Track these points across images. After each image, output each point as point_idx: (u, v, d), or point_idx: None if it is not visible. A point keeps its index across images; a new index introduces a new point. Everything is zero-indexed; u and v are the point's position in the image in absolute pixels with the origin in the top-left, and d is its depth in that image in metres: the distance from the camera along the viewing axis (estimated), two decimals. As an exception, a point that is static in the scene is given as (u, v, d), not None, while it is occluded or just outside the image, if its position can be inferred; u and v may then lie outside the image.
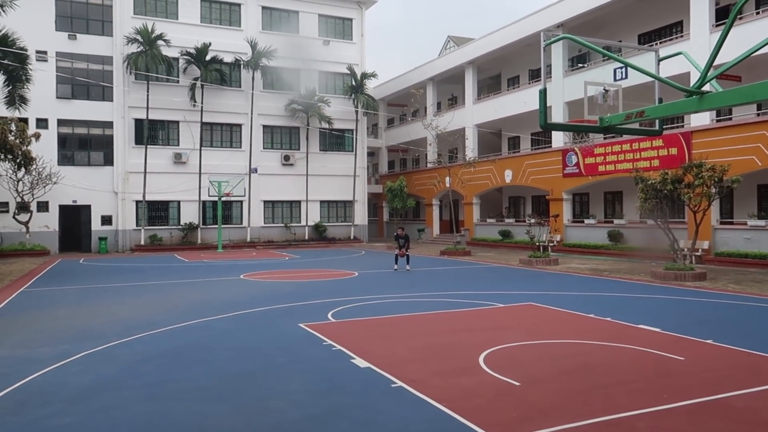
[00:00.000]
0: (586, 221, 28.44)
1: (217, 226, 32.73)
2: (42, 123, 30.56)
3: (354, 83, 37.14)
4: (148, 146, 32.38)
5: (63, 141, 31.57)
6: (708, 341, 8.82)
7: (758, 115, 21.71)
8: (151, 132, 33.01)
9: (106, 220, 32.23)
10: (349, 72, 37.12)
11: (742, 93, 6.07)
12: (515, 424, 5.48)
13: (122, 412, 6.00)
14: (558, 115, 26.49)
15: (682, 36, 24.68)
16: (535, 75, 33.88)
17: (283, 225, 36.32)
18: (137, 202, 32.49)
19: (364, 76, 37.30)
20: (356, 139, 38.17)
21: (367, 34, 39.78)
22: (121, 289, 16.14)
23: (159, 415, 5.87)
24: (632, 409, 5.84)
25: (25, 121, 28.04)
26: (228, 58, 34.26)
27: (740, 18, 21.53)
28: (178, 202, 33.60)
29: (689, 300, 13.24)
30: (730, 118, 22.63)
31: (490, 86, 39.15)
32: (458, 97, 41.36)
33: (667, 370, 7.34)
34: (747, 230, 21.17)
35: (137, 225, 32.56)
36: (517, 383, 6.74)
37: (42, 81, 29.05)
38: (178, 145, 33.74)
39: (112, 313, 12.11)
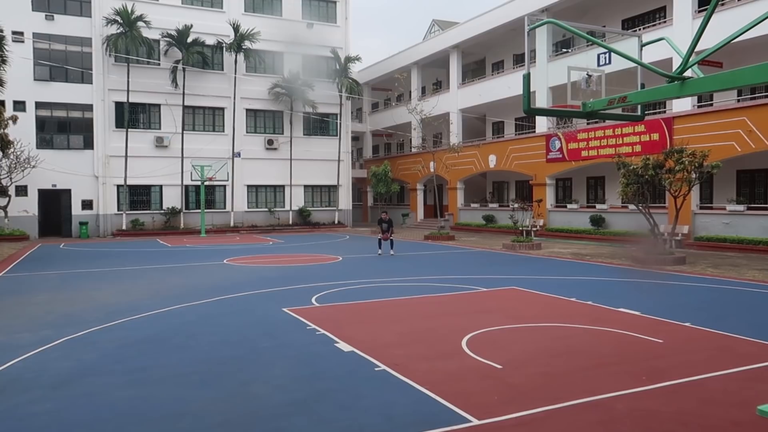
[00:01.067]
0: (569, 206, 28.67)
1: (200, 210, 32.49)
2: (19, 105, 29.99)
3: (338, 67, 36.86)
4: (129, 130, 31.95)
5: (41, 124, 31.04)
6: (686, 324, 8.97)
7: (738, 101, 21.95)
8: (132, 115, 32.57)
9: (87, 204, 31.83)
10: (333, 55, 36.82)
11: (723, 79, 6.11)
12: (497, 406, 5.55)
13: (103, 397, 5.96)
14: (542, 100, 26.24)
15: (665, 22, 24.78)
16: (519, 60, 33.84)
17: (266, 210, 36.15)
18: (118, 186, 32.12)
19: (348, 59, 37.03)
20: (340, 123, 37.98)
21: (351, 17, 39.36)
22: (103, 274, 15.99)
23: (141, 401, 5.85)
24: (612, 390, 5.93)
25: (1, 103, 27.48)
26: (210, 41, 33.79)
27: (722, 4, 21.66)
28: (160, 186, 33.27)
29: (669, 284, 13.43)
30: (711, 104, 22.84)
31: (474, 71, 39.08)
32: (443, 82, 41.26)
33: (647, 352, 7.46)
34: (726, 215, 21.47)
35: (119, 209, 32.21)
36: (499, 366, 6.81)
37: (19, 63, 28.45)
38: (160, 128, 33.33)
39: (93, 298, 12.01)
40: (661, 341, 7.97)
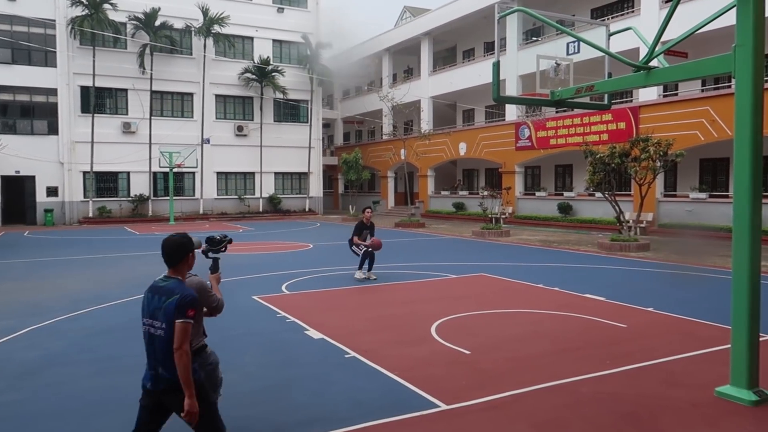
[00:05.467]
0: (537, 194, 29.03)
1: (168, 197, 32.01)
2: (-21, 89, 29.06)
3: (309, 53, 36.51)
4: (96, 115, 31.22)
5: (3, 108, 30.15)
6: (649, 309, 9.21)
7: (702, 91, 22.42)
8: (99, 100, 31.82)
9: (52, 191, 31.07)
10: (303, 41, 36.46)
11: (688, 69, 6.26)
12: (465, 391, 5.63)
13: (71, 387, 5.89)
14: (511, 89, 26.61)
15: (632, 11, 25.12)
16: (490, 48, 33.99)
17: (236, 197, 35.81)
18: (84, 173, 31.42)
19: (319, 45, 36.71)
20: (311, 109, 37.70)
21: (322, 2, 38.97)
22: (69, 262, 15.68)
23: (109, 390, 5.78)
24: (577, 374, 6.07)
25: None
26: (178, 24, 33.14)
27: (688, -5, 21.98)
28: (128, 173, 32.66)
29: (633, 270, 13.75)
30: (676, 94, 23.30)
31: (445, 58, 39.12)
32: (414, 69, 41.22)
33: (611, 337, 7.65)
34: (689, 203, 22.01)
35: (85, 197, 31.55)
36: (467, 352, 6.91)
37: (-23, 44, 27.46)
38: (127, 114, 32.66)
39: (60, 287, 11.78)
40: (625, 326, 8.18)
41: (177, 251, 3.91)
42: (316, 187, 38.46)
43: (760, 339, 5.62)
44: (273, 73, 34.85)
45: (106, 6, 30.10)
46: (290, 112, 37.62)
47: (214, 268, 4.61)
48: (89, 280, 12.58)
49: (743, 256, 5.37)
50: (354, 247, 12.45)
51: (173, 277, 3.90)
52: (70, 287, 11.73)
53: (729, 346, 5.58)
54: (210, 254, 4.66)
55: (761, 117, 5.34)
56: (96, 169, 31.37)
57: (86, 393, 5.72)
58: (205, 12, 32.58)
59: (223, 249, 4.66)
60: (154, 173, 33.09)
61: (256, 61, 35.01)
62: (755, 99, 5.27)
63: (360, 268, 12.25)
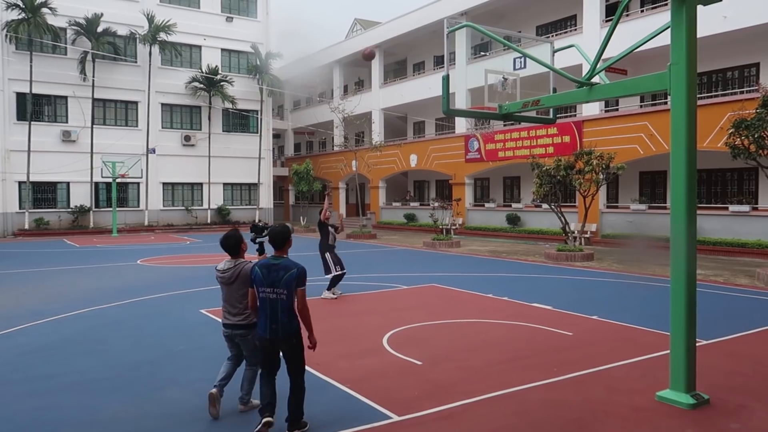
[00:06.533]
0: (487, 205, 29.52)
1: (111, 208, 30.99)
2: None
3: (259, 62, 36.20)
4: (33, 123, 29.97)
5: (-69, 115, 28.58)
6: (594, 317, 9.46)
7: (641, 106, 23.34)
8: (36, 107, 30.60)
9: (-16, 202, 29.63)
10: (253, 51, 36.12)
11: (627, 86, 6.51)
12: (416, 401, 5.64)
13: (1, 409, 5.58)
14: (461, 102, 27.03)
15: (575, 29, 25.98)
16: (439, 61, 34.50)
17: (183, 208, 34.99)
18: (20, 182, 30.08)
19: (269, 55, 36.45)
20: (261, 120, 37.32)
21: (272, 12, 38.78)
22: (1, 276, 14.93)
23: (44, 411, 5.51)
24: (526, 382, 6.17)
25: None
26: (122, 31, 32.28)
27: (627, 15, 22.96)
28: (68, 183, 31.46)
29: (578, 279, 14.12)
30: (617, 109, 24.18)
31: (396, 71, 39.47)
32: (365, 81, 41.41)
33: (557, 345, 7.81)
34: (630, 213, 22.80)
35: (20, 208, 30.17)
36: (419, 362, 6.93)
37: None
38: (67, 122, 31.51)
39: (-8, 302, 11.21)
40: (570, 334, 8.37)
41: (282, 237, 5.02)
42: (266, 198, 38.01)
43: (697, 344, 5.86)
44: (222, 83, 34.39)
45: (45, 10, 29.05)
46: (239, 122, 37.13)
47: (261, 250, 5.63)
48: (24, 295, 12.02)
49: (680, 264, 5.59)
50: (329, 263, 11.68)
51: (282, 257, 5.01)
52: (3, 303, 11.17)
53: (668, 351, 5.78)
54: (257, 239, 5.79)
55: (695, 132, 5.60)
56: (33, 178, 30.09)
57: (18, 415, 5.42)
58: (150, 19, 31.87)
59: (266, 234, 5.58)
60: (96, 184, 31.99)
61: (204, 70, 34.48)
62: (689, 115, 5.51)
63: (329, 288, 11.62)
